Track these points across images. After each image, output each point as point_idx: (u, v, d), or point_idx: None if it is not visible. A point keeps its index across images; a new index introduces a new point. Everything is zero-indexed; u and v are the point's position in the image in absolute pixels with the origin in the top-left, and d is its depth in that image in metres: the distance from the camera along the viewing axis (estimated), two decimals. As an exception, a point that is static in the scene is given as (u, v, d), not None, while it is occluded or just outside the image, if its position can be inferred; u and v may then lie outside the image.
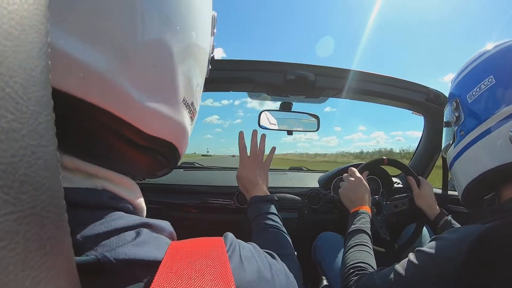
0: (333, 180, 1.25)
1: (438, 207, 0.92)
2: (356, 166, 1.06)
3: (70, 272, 0.14)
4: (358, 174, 0.90)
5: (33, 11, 0.11)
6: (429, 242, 0.51)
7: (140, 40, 0.21)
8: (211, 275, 0.20)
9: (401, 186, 1.32)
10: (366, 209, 0.81)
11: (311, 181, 1.34)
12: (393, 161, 1.02)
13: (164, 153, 0.28)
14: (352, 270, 0.63)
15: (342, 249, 0.97)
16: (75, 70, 0.18)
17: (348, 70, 0.98)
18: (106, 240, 0.20)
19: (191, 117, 0.31)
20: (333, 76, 0.97)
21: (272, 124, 1.17)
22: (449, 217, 0.89)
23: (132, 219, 0.23)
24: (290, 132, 1.23)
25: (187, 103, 0.29)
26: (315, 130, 1.20)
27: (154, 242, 0.22)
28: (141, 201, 0.28)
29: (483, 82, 0.54)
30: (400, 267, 0.52)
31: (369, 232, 0.73)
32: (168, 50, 0.24)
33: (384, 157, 1.01)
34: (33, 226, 0.11)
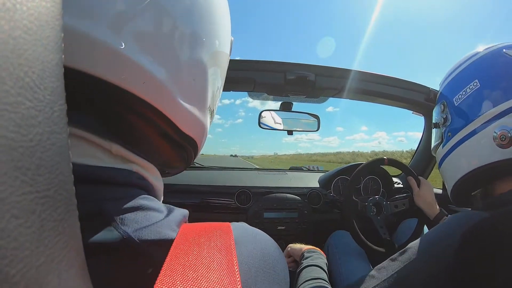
0: (333, 180, 1.26)
1: (438, 207, 0.92)
2: (356, 166, 1.07)
3: (79, 255, 0.15)
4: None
5: (49, 8, 0.12)
6: (420, 238, 0.51)
7: (188, 59, 0.28)
8: (216, 247, 0.23)
9: (402, 186, 1.32)
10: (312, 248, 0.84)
11: (312, 181, 1.34)
12: (393, 161, 1.03)
13: (188, 149, 0.33)
14: None
15: (353, 250, 0.97)
16: (141, 76, 0.24)
17: (348, 70, 0.99)
18: (132, 215, 0.23)
19: (210, 122, 0.37)
20: (333, 76, 0.98)
21: (272, 124, 1.18)
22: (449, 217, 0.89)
23: (157, 202, 0.27)
24: (290, 132, 1.24)
25: (211, 110, 0.35)
26: (315, 130, 1.21)
27: (173, 224, 0.25)
28: (161, 185, 0.32)
29: (468, 86, 0.57)
30: (387, 264, 0.52)
31: (324, 267, 0.75)
32: (204, 69, 0.30)
33: (384, 157, 1.01)
34: (47, 207, 0.12)
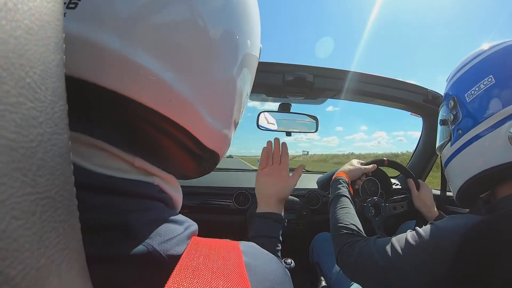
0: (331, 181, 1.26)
1: (436, 210, 0.93)
2: None
3: (80, 256, 0.14)
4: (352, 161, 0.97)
5: (51, 8, 0.12)
6: (427, 226, 0.51)
7: (215, 73, 0.27)
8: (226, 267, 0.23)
9: (400, 187, 1.33)
10: (341, 174, 0.89)
11: (310, 182, 1.34)
12: (393, 163, 1.03)
13: (209, 161, 0.33)
14: (345, 231, 0.67)
15: None
16: (166, 94, 0.23)
17: (347, 71, 0.99)
18: (155, 227, 0.23)
19: (233, 132, 0.37)
20: (332, 77, 0.98)
21: (270, 125, 1.18)
22: None
23: (176, 214, 0.27)
24: (288, 133, 1.24)
25: (235, 122, 0.35)
26: (314, 131, 1.21)
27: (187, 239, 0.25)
28: (181, 196, 0.32)
29: (482, 82, 0.54)
30: (397, 243, 0.52)
31: (348, 195, 0.80)
32: (234, 85, 0.30)
33: (384, 158, 1.02)
34: (48, 208, 0.12)
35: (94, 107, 0.23)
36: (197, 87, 0.25)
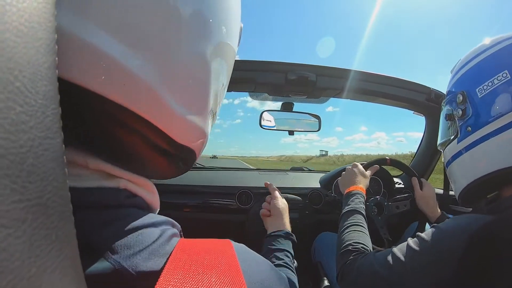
0: (334, 180, 1.25)
1: (439, 210, 0.91)
2: None
3: (75, 263, 0.14)
4: (360, 166, 0.92)
5: (41, 9, 0.11)
6: (429, 229, 0.50)
7: (186, 53, 0.23)
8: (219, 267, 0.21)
9: (403, 186, 1.32)
10: (360, 189, 0.82)
11: (312, 181, 1.34)
12: (395, 162, 1.02)
13: (184, 158, 0.29)
14: (350, 249, 0.62)
15: None
16: (119, 76, 0.19)
17: (349, 70, 0.99)
18: (123, 240, 0.20)
19: (211, 125, 0.32)
20: (334, 76, 0.98)
21: (273, 124, 1.18)
22: None
23: (151, 215, 0.24)
24: (291, 133, 1.24)
25: (213, 112, 0.30)
26: (317, 130, 1.21)
27: (169, 243, 0.23)
28: (157, 200, 0.28)
29: (496, 77, 0.50)
30: (399, 251, 0.51)
31: (363, 212, 0.73)
32: (206, 63, 0.25)
33: (387, 157, 1.01)
34: (39, 215, 0.11)
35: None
36: (158, 68, 0.21)
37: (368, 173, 0.92)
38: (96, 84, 0.18)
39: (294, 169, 1.79)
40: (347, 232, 0.66)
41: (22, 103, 0.11)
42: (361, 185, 0.84)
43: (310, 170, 1.75)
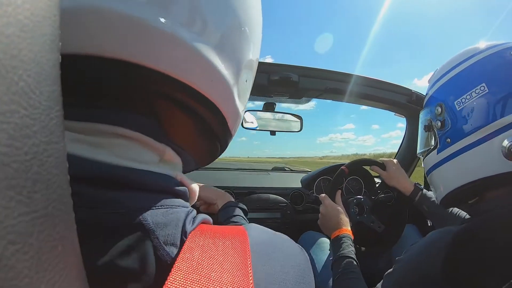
0: (315, 180, 1.28)
1: (411, 182, 0.93)
2: (338, 166, 1.09)
3: (79, 271, 0.13)
4: (327, 201, 0.89)
5: (46, 2, 0.10)
6: (402, 254, 0.52)
7: (247, 55, 0.28)
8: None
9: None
10: (345, 231, 0.80)
11: (294, 181, 1.35)
12: (352, 166, 1.03)
13: (223, 145, 0.32)
14: None
15: (326, 249, 0.99)
16: (210, 75, 0.23)
17: (332, 72, 1.01)
18: (167, 229, 0.21)
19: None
20: (317, 77, 0.99)
21: (255, 125, 1.17)
22: (424, 191, 0.90)
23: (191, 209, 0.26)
24: (273, 133, 1.24)
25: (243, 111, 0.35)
26: (298, 130, 1.22)
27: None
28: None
29: (474, 90, 0.51)
30: (387, 276, 0.53)
31: (354, 256, 0.72)
32: (254, 67, 0.31)
33: (343, 167, 1.01)
34: (46, 226, 0.10)
35: (127, 86, 0.21)
36: (234, 68, 0.25)
37: (339, 205, 0.90)
38: (191, 79, 0.22)
39: (275, 169, 1.80)
40: (342, 280, 0.67)
41: (26, 105, 0.10)
42: (344, 226, 0.82)
43: (292, 170, 1.77)
